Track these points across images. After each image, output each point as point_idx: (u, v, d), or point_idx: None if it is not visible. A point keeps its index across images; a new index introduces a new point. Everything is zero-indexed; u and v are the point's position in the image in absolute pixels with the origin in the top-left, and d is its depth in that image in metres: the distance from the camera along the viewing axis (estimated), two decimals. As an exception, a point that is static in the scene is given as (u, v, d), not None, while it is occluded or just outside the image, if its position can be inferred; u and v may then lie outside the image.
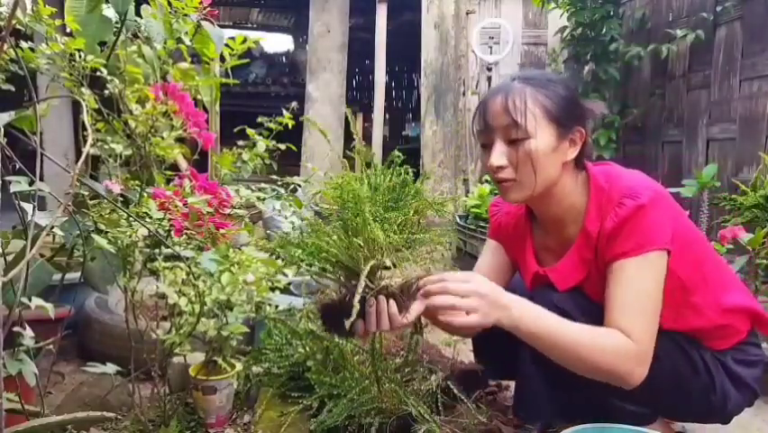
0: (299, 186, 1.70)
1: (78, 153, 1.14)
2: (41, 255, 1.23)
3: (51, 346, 1.18)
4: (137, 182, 1.31)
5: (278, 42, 9.59)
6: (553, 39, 5.05)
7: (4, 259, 1.09)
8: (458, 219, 4.04)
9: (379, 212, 1.08)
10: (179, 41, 1.39)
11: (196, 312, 1.30)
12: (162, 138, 1.25)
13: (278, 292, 1.49)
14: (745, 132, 3.51)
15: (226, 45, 1.46)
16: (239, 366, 1.51)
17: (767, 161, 2.16)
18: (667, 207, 1.15)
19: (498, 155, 1.17)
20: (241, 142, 1.57)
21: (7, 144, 1.05)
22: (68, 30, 1.23)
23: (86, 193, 1.24)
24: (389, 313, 1.04)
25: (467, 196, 4.50)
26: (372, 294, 1.03)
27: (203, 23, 1.40)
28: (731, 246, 1.89)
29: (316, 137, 5.50)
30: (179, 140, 1.29)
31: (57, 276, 1.21)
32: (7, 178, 1.04)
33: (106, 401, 1.54)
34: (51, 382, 1.69)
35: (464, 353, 1.96)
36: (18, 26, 1.15)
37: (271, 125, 1.58)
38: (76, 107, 2.74)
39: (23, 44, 1.16)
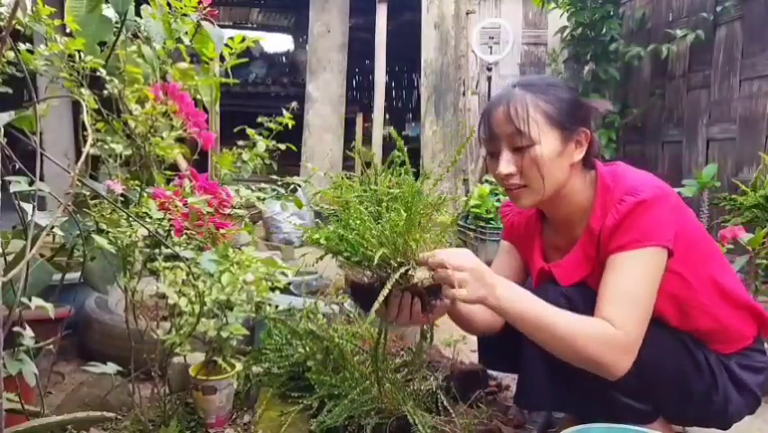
0: (299, 186, 1.70)
1: (78, 153, 1.13)
2: (41, 255, 1.23)
3: (51, 346, 1.18)
4: (137, 182, 1.31)
5: (278, 42, 9.58)
6: (553, 39, 5.05)
7: (4, 259, 1.09)
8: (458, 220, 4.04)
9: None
10: (179, 40, 1.39)
11: (196, 312, 1.30)
12: (162, 138, 1.25)
13: (278, 292, 1.49)
14: (745, 132, 3.51)
15: (226, 45, 1.46)
16: (239, 366, 1.51)
17: (767, 160, 2.16)
18: (671, 206, 1.15)
19: (506, 164, 1.19)
20: (241, 142, 1.57)
21: (7, 144, 1.05)
22: (67, 30, 1.23)
23: (87, 193, 1.24)
24: (412, 310, 1.10)
25: (467, 196, 4.50)
26: (399, 289, 1.07)
27: (202, 22, 1.40)
28: (731, 246, 1.89)
29: (316, 137, 5.51)
30: (179, 140, 1.29)
31: (57, 276, 1.21)
32: (7, 178, 1.04)
33: (106, 401, 1.54)
34: (51, 382, 1.69)
35: (464, 353, 1.96)
36: (18, 27, 1.15)
37: (271, 125, 1.58)
38: (76, 107, 2.74)
39: (22, 46, 1.16)
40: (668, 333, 1.18)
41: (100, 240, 1.15)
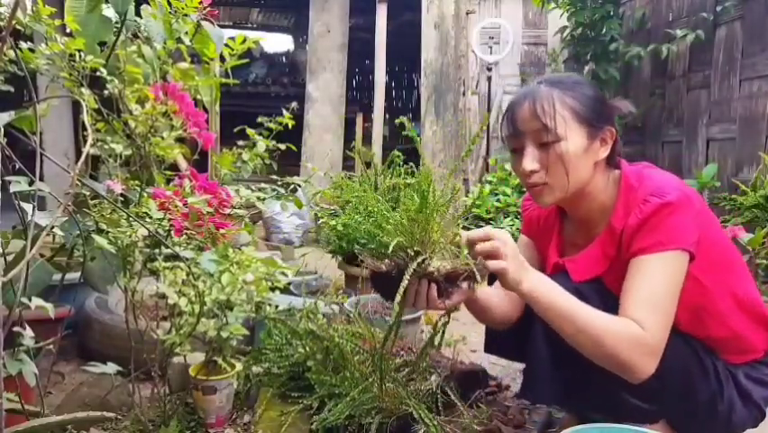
0: (299, 186, 1.70)
1: (78, 153, 1.13)
2: (41, 255, 1.23)
3: (51, 346, 1.18)
4: (137, 182, 1.31)
5: (278, 42, 9.59)
6: (553, 39, 5.06)
7: (4, 259, 1.09)
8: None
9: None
10: (179, 41, 1.39)
11: (196, 312, 1.30)
12: (162, 138, 1.25)
13: (278, 292, 1.49)
14: (745, 132, 3.51)
15: (226, 45, 1.46)
16: (239, 366, 1.51)
17: (767, 160, 2.16)
18: (696, 210, 1.13)
19: (531, 160, 1.18)
20: (241, 142, 1.57)
21: (7, 144, 1.05)
22: (67, 30, 1.23)
23: (87, 193, 1.24)
24: (429, 296, 1.10)
25: (467, 196, 4.50)
26: (417, 276, 1.08)
27: (203, 23, 1.41)
28: (731, 246, 1.89)
29: (316, 137, 5.50)
30: (179, 140, 1.29)
31: (57, 276, 1.21)
32: (7, 178, 1.04)
33: (106, 401, 1.54)
34: (51, 382, 1.69)
35: (464, 353, 1.96)
36: (18, 26, 1.15)
37: (271, 125, 1.58)
38: (76, 107, 2.74)
39: (23, 45, 1.16)
40: (679, 337, 1.17)
41: (100, 240, 1.15)
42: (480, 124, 5.11)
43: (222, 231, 1.29)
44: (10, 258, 1.09)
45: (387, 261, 1.11)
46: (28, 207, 1.05)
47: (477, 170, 5.06)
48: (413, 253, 1.08)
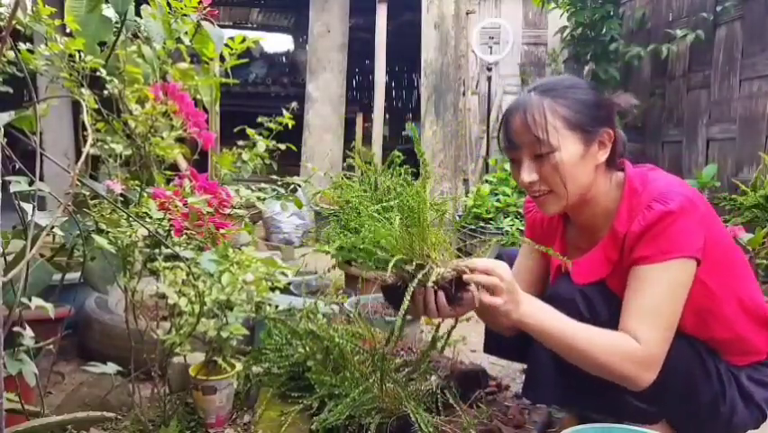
0: (299, 186, 1.70)
1: (78, 153, 1.14)
2: (41, 255, 1.23)
3: (51, 346, 1.18)
4: (137, 182, 1.31)
5: (278, 42, 9.59)
6: (553, 39, 5.05)
7: (4, 259, 1.09)
8: (458, 219, 4.04)
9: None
10: (179, 41, 1.39)
11: (196, 312, 1.30)
12: (162, 138, 1.25)
13: (278, 292, 1.49)
14: (745, 132, 3.51)
15: (226, 45, 1.46)
16: (239, 366, 1.51)
17: (767, 160, 2.16)
18: (700, 215, 1.13)
19: (528, 172, 1.18)
20: (241, 142, 1.57)
21: (7, 144, 1.05)
22: (67, 30, 1.23)
23: (87, 193, 1.24)
24: (438, 304, 1.11)
25: (467, 196, 4.50)
26: (421, 285, 1.09)
27: (202, 23, 1.40)
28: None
29: (316, 137, 5.50)
30: (179, 140, 1.29)
31: (57, 276, 1.21)
32: (7, 178, 1.04)
33: (106, 401, 1.54)
34: (51, 382, 1.69)
35: (464, 353, 1.96)
36: (18, 27, 1.15)
37: (271, 125, 1.58)
38: (76, 107, 2.74)
39: (22, 46, 1.16)
40: (683, 339, 1.17)
41: (100, 240, 1.15)
42: (481, 125, 5.12)
43: (222, 231, 1.29)
44: (10, 258, 1.09)
45: (391, 274, 1.11)
46: (28, 207, 1.05)
47: (477, 170, 5.06)
48: (414, 267, 1.09)
